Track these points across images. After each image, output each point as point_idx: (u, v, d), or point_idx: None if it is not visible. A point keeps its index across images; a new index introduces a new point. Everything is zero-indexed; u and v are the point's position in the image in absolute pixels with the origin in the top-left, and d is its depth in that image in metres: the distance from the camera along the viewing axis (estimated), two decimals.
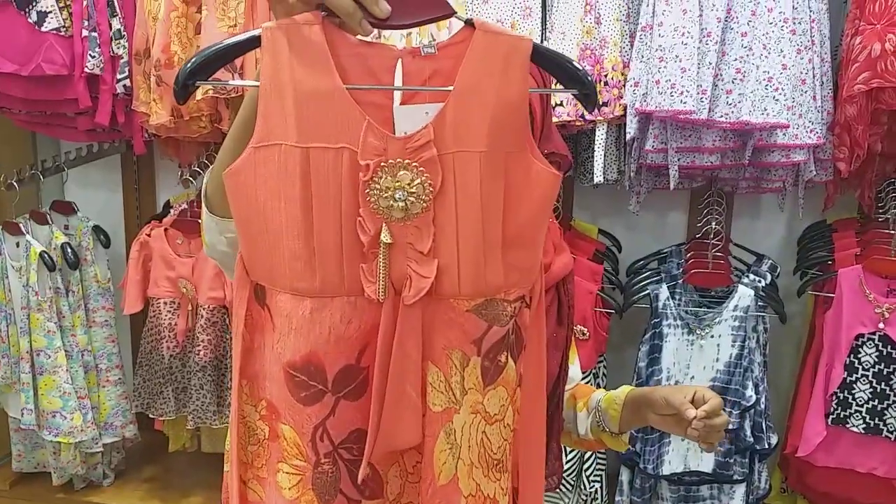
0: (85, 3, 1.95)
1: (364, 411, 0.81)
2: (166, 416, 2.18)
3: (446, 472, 0.83)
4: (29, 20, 1.94)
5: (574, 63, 0.85)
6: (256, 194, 0.79)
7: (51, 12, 1.94)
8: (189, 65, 0.81)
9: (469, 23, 0.80)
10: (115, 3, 2.01)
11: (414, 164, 0.78)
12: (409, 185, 0.77)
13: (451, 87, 0.79)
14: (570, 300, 1.11)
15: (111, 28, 2.01)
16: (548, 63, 0.84)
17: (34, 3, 1.94)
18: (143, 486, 2.32)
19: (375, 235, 0.78)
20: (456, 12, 0.82)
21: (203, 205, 0.93)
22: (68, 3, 1.95)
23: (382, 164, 0.77)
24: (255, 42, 0.80)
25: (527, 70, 0.80)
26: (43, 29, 1.94)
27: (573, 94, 0.85)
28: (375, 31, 0.82)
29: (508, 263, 0.81)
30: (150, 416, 2.21)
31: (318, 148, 0.77)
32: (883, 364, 1.86)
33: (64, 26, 1.96)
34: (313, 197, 0.78)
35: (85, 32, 1.96)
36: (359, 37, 0.81)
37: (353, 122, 0.77)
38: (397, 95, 0.82)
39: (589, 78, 0.84)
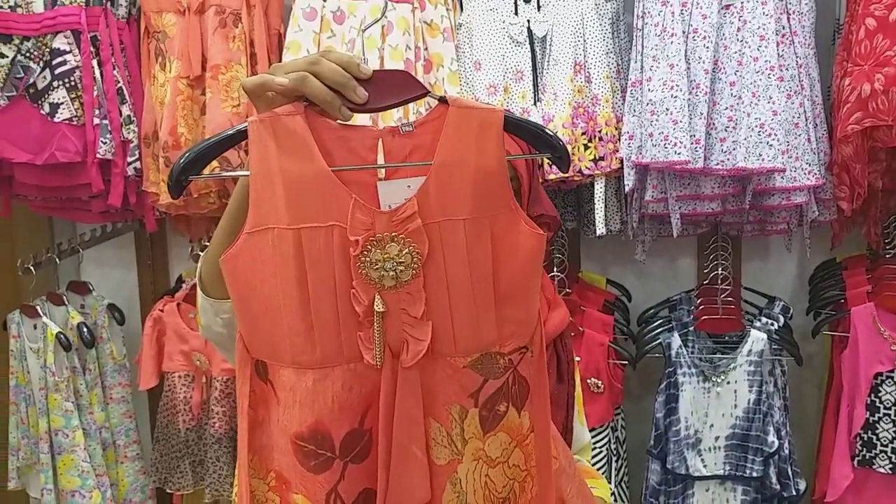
0: (96, 93, 2.03)
1: (369, 471, 0.83)
2: (184, 490, 2.18)
3: None
4: (42, 112, 2.02)
5: (545, 129, 0.89)
6: (254, 277, 0.83)
7: (63, 103, 2.02)
8: (182, 161, 0.85)
9: (443, 100, 0.84)
10: (125, 91, 2.09)
11: (401, 235, 0.81)
12: (397, 255, 0.81)
13: (431, 162, 0.82)
14: (568, 356, 1.12)
15: (121, 115, 2.08)
16: (520, 131, 0.88)
17: (46, 96, 2.02)
18: None
19: (369, 305, 0.81)
20: (430, 91, 0.86)
21: (198, 288, 0.96)
22: (79, 94, 2.03)
23: (371, 238, 0.80)
24: (243, 135, 0.84)
25: (500, 139, 0.84)
26: (56, 119, 2.02)
27: (547, 158, 0.89)
28: (355, 115, 0.86)
29: (502, 318, 0.84)
30: (168, 490, 2.21)
31: (308, 228, 0.81)
32: None
33: (76, 116, 2.03)
34: (308, 274, 0.81)
35: (96, 121, 2.03)
36: (339, 121, 0.85)
37: (341, 201, 0.81)
38: (380, 172, 0.86)
39: (560, 143, 0.88)
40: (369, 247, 0.80)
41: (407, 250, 0.81)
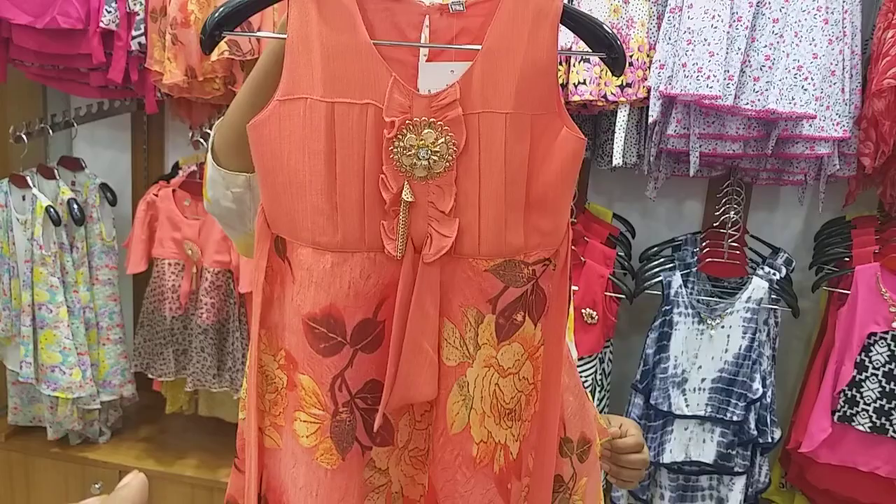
0: None
1: (379, 363, 0.81)
2: (165, 376, 2.17)
3: (459, 422, 0.84)
4: None
5: (604, 26, 0.84)
6: (281, 147, 0.79)
7: None
8: (217, 15, 0.80)
9: None
10: None
11: (439, 122, 0.77)
12: (433, 143, 0.77)
13: (479, 47, 0.77)
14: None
15: None
16: (577, 25, 0.83)
17: None
18: (138, 445, 2.32)
19: (397, 193, 0.77)
20: None
21: (209, 158, 0.93)
22: None
23: (407, 121, 0.76)
24: None
25: (556, 31, 0.79)
26: None
27: (600, 58, 0.85)
28: None
29: (530, 226, 0.81)
30: (150, 376, 2.20)
31: (343, 103, 0.76)
32: (894, 364, 1.84)
33: None
34: (337, 152, 0.77)
35: None
36: None
37: (379, 79, 0.76)
38: (423, 52, 0.80)
39: (617, 42, 0.83)
40: (405, 130, 0.76)
41: (443, 139, 0.77)
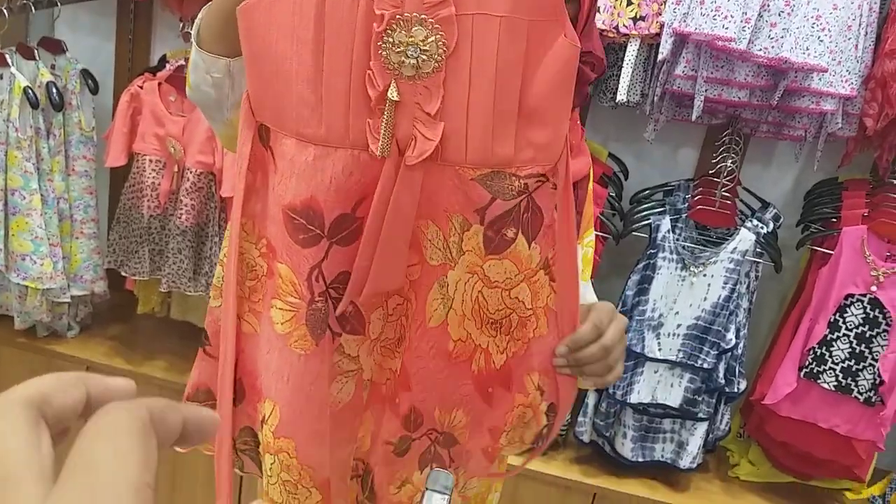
0: None
1: (352, 256, 0.83)
2: (139, 275, 2.13)
3: (436, 317, 0.86)
4: None
5: None
6: (269, 34, 0.77)
7: None
8: None
9: None
10: None
11: (430, 20, 0.74)
12: (422, 42, 0.74)
13: None
14: (578, 205, 1.09)
15: None
16: None
17: None
18: (107, 342, 2.29)
19: (383, 91, 0.75)
20: None
21: (193, 41, 0.90)
22: None
23: (398, 16, 0.74)
24: None
25: None
26: None
27: None
28: None
29: (522, 138, 0.79)
30: (123, 273, 2.15)
31: None
32: (867, 326, 1.86)
33: None
34: (325, 42, 0.75)
35: None
36: None
37: None
38: None
39: None
40: (394, 25, 0.74)
41: (433, 38, 0.74)
